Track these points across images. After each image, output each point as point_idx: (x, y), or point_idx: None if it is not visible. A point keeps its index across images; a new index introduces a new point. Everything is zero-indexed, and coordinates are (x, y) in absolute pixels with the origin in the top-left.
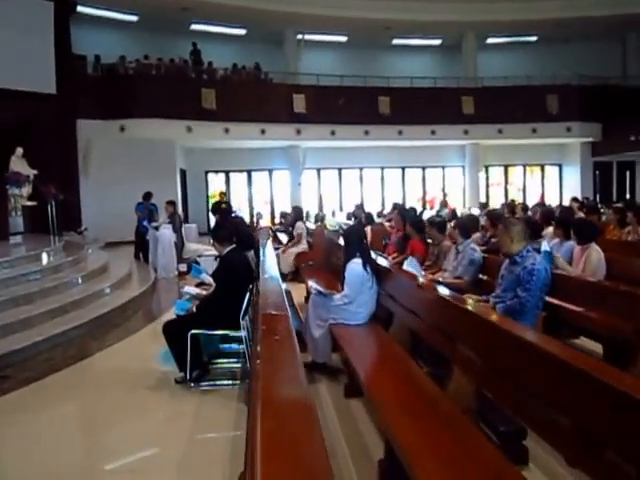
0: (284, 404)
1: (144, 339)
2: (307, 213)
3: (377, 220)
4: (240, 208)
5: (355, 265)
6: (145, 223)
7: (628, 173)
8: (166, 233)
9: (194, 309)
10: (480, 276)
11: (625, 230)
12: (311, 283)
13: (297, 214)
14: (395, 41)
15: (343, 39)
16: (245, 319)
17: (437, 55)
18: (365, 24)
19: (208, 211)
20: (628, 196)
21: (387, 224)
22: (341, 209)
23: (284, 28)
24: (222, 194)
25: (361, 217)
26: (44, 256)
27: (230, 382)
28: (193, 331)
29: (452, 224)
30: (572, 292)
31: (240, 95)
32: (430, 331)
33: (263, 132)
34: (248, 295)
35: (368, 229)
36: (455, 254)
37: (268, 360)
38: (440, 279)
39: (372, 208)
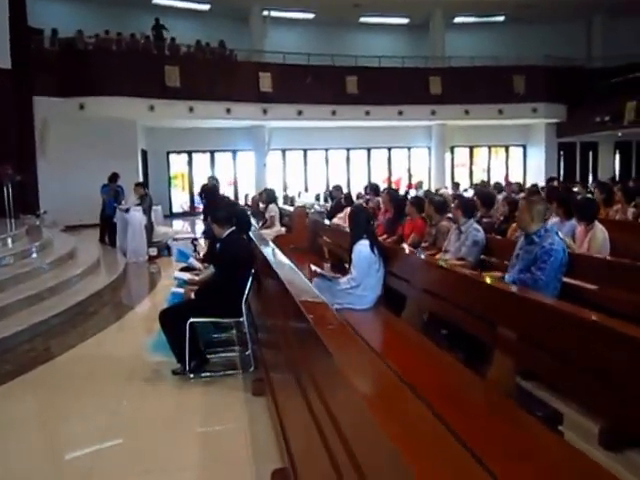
0: (392, 398)
1: (126, 328)
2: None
3: None
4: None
5: (362, 247)
6: (115, 204)
7: (591, 154)
8: (136, 216)
9: (192, 295)
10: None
11: (613, 208)
12: (314, 267)
13: (270, 196)
14: (363, 19)
15: (310, 16)
16: (244, 305)
17: (404, 34)
18: (333, 1)
19: (170, 193)
20: (591, 176)
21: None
22: (306, 190)
23: (249, 4)
24: (210, 178)
25: (339, 198)
26: (10, 241)
27: (231, 372)
28: (194, 319)
29: (454, 204)
30: (585, 270)
31: (205, 73)
32: (460, 313)
33: (229, 111)
34: (250, 280)
35: (349, 210)
36: (457, 234)
37: (339, 352)
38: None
39: None
